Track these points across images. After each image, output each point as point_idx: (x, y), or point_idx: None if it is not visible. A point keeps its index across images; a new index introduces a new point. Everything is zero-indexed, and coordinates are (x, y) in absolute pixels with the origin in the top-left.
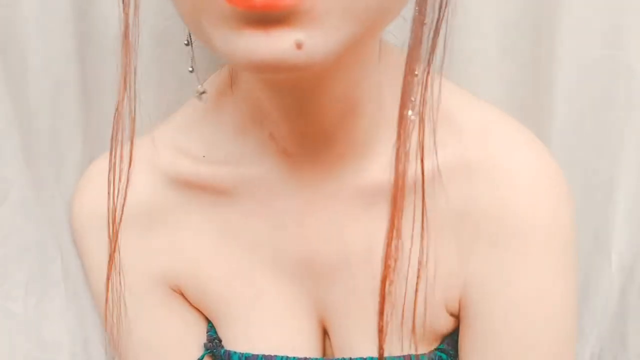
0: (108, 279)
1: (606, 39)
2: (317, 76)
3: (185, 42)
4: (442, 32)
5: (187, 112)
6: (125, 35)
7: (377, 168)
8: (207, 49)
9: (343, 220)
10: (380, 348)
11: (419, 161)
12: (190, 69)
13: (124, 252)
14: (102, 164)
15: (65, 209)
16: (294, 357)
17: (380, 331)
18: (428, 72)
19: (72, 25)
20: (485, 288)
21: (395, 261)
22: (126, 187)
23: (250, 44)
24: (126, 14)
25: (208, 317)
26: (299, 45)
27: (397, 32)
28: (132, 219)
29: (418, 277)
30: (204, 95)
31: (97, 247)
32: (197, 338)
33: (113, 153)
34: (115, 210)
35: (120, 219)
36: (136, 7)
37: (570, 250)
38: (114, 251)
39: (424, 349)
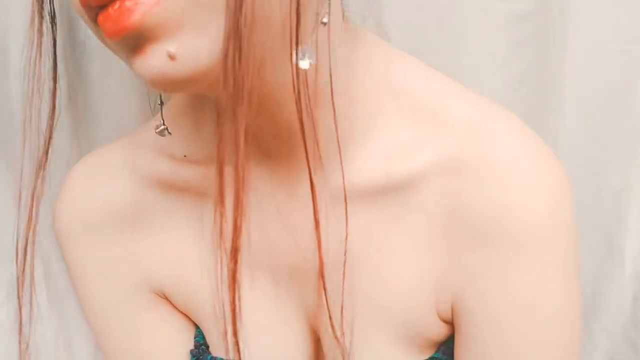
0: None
1: (618, 35)
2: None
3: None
4: None
5: (169, 113)
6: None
7: (368, 166)
8: None
9: (324, 223)
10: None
11: (400, 162)
12: (160, 102)
13: (107, 256)
14: (81, 167)
15: (49, 212)
16: None
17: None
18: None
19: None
20: (481, 293)
21: (322, 265)
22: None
23: (137, 68)
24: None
25: (195, 322)
26: (172, 57)
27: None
28: (113, 223)
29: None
30: (164, 131)
31: (80, 251)
32: (184, 344)
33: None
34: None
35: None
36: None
37: (572, 250)
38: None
39: (418, 357)
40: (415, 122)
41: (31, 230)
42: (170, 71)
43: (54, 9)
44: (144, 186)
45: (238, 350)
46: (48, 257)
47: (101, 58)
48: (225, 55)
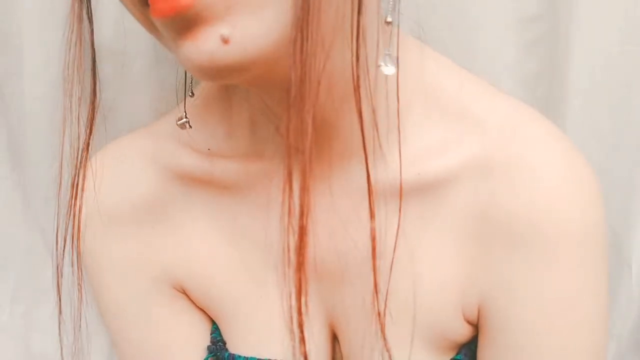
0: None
1: (625, 36)
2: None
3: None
4: None
5: (192, 106)
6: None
7: (382, 168)
8: None
9: (347, 220)
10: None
11: (431, 161)
12: (191, 93)
13: (126, 249)
14: (101, 158)
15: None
16: None
17: (382, 325)
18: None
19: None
20: (511, 295)
21: (375, 259)
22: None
23: (186, 53)
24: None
25: (213, 318)
26: (225, 41)
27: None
28: (132, 216)
29: (373, 247)
30: (186, 124)
31: (98, 244)
32: (201, 340)
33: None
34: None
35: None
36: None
37: (603, 253)
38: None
39: (440, 358)
40: (447, 121)
41: (74, 218)
42: (223, 56)
43: (91, 10)
44: (165, 178)
45: (304, 341)
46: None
47: (114, 62)
48: (295, 39)
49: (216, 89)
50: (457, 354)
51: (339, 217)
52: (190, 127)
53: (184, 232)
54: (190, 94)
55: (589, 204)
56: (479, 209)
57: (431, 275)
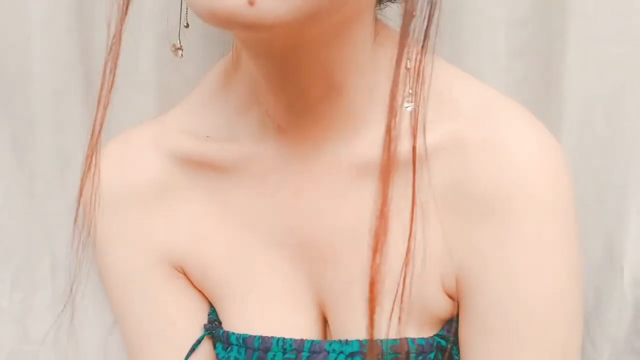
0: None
1: (618, 37)
2: (292, 47)
3: (185, 24)
4: (435, 17)
5: (193, 98)
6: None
7: (368, 145)
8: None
9: (334, 197)
10: (371, 325)
11: (409, 139)
12: (186, 24)
13: (130, 229)
14: (110, 146)
15: (67, 207)
16: (290, 339)
17: (372, 301)
18: (421, 62)
19: (76, 32)
20: (482, 264)
21: (385, 236)
22: (93, 174)
23: (214, 2)
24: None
25: (209, 299)
26: (251, 2)
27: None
28: (138, 198)
29: (407, 253)
30: (179, 51)
31: (104, 224)
32: (199, 319)
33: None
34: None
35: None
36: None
37: (571, 228)
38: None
39: (423, 334)
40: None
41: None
42: (245, 14)
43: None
44: (168, 163)
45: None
46: (56, 249)
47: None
48: None
49: (215, 79)
50: (440, 329)
51: (323, 194)
52: (182, 56)
53: (184, 214)
54: (185, 24)
55: (558, 179)
56: (456, 183)
57: (416, 248)
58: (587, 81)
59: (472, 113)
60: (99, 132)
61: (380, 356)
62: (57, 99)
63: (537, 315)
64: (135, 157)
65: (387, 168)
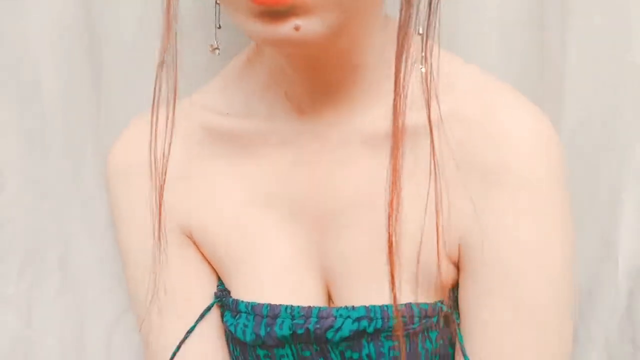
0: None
1: (614, 40)
2: (324, 48)
3: (218, 26)
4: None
5: (215, 81)
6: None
7: (379, 118)
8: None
9: (348, 168)
10: (392, 284)
11: (419, 110)
12: (219, 26)
13: (149, 195)
14: (136, 122)
15: (78, 199)
16: (298, 306)
17: (392, 264)
18: (429, 26)
19: (83, 25)
20: (483, 229)
21: (399, 202)
22: (170, 140)
23: (260, 30)
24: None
25: (218, 271)
26: (297, 28)
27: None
28: (159, 166)
29: (437, 215)
30: (216, 50)
31: (124, 190)
32: (208, 288)
33: (154, 111)
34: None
35: (164, 170)
36: None
37: (562, 198)
38: (161, 205)
39: (426, 300)
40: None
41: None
42: (293, 38)
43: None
44: (191, 137)
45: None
46: (65, 242)
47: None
48: None
49: (237, 65)
50: (442, 297)
51: (337, 165)
52: (219, 54)
53: (202, 186)
54: (218, 26)
55: (553, 151)
56: (457, 158)
57: (419, 217)
58: (582, 80)
59: (469, 94)
60: (175, 93)
61: (387, 320)
62: (68, 94)
63: (530, 276)
64: (160, 129)
65: (397, 135)
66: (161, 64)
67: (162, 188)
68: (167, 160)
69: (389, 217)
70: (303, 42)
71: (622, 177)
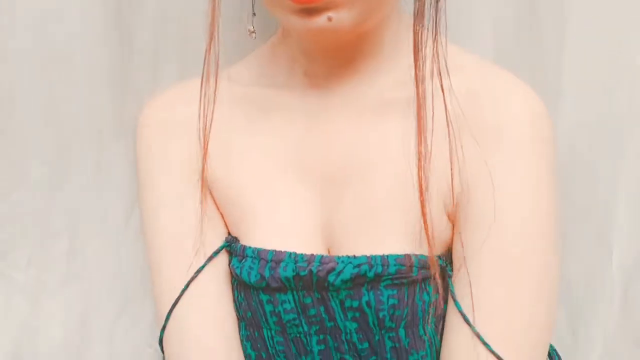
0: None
1: (610, 38)
2: (350, 34)
3: (253, 13)
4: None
5: (243, 61)
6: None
7: (392, 85)
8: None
9: (363, 130)
10: (425, 227)
11: (434, 77)
12: (253, 13)
13: (179, 148)
14: (171, 88)
15: (90, 191)
16: (302, 254)
17: (422, 207)
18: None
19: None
20: (475, 176)
21: (427, 155)
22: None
23: (297, 24)
24: None
25: (228, 223)
26: (329, 19)
27: None
28: (187, 124)
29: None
30: (253, 34)
31: (150, 139)
32: (219, 233)
33: (204, 78)
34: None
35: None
36: None
37: (548, 159)
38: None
39: (425, 252)
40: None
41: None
42: (327, 28)
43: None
44: (219, 102)
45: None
46: (75, 232)
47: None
48: None
49: (264, 48)
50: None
51: (357, 130)
52: (255, 38)
53: (224, 143)
54: (253, 13)
55: (541, 120)
56: (466, 118)
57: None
58: (578, 79)
59: (475, 73)
60: (217, 61)
61: (387, 266)
62: (87, 81)
63: (517, 216)
64: (189, 97)
65: (418, 87)
66: (211, 34)
67: (206, 142)
68: (212, 118)
69: (419, 162)
70: (334, 30)
71: (618, 177)
